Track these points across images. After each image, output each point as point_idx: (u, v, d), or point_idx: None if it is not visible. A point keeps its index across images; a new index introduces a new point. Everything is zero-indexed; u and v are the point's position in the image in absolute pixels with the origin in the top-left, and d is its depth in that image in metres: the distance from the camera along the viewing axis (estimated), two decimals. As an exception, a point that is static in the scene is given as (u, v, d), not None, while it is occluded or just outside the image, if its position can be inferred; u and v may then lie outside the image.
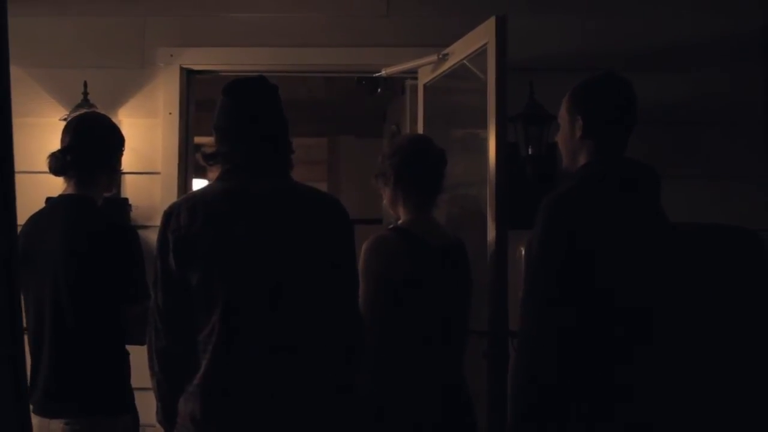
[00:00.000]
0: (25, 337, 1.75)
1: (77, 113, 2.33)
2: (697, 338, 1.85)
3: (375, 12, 2.78)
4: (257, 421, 1.50)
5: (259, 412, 1.50)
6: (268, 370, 1.52)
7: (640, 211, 1.62)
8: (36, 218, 1.95)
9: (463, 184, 2.46)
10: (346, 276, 1.63)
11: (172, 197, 2.63)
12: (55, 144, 1.97)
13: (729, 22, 2.72)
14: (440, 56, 2.51)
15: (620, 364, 1.54)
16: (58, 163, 1.91)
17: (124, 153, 2.06)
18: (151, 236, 2.26)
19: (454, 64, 2.45)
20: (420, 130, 2.71)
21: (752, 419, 1.90)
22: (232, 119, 1.62)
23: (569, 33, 2.71)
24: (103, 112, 2.48)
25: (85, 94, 2.67)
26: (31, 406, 1.75)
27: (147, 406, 1.78)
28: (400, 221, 2.03)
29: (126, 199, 2.72)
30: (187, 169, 2.83)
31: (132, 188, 2.74)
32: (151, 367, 1.57)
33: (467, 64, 2.37)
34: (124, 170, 2.59)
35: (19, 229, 1.83)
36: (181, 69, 2.78)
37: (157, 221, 1.62)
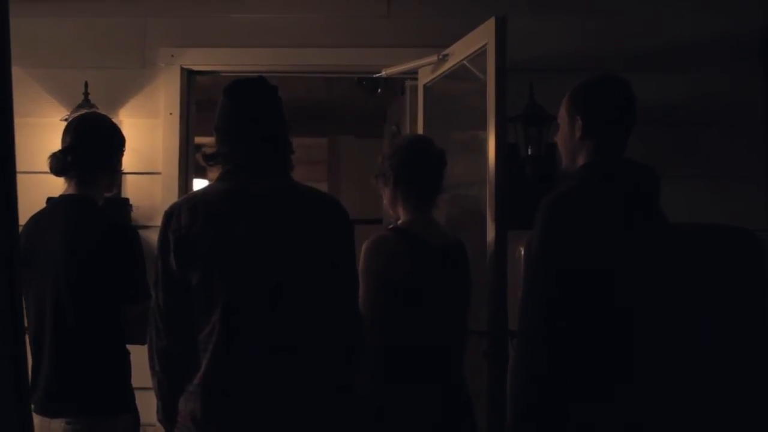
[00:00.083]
0: (26, 337, 1.76)
1: (78, 113, 2.33)
2: (697, 338, 1.85)
3: (375, 13, 2.78)
4: (257, 421, 1.51)
5: (259, 412, 1.51)
6: (268, 370, 1.52)
7: (639, 211, 1.62)
8: (37, 218, 1.95)
9: (462, 184, 2.47)
10: (346, 276, 1.63)
11: (173, 197, 2.63)
12: (56, 144, 1.97)
13: (729, 22, 2.73)
14: (440, 57, 2.51)
15: (619, 364, 1.55)
16: (59, 164, 1.92)
17: (125, 153, 2.07)
18: (152, 236, 2.27)
19: (454, 65, 2.45)
20: (420, 130, 2.72)
21: (751, 419, 1.90)
22: (232, 120, 1.62)
23: (569, 33, 2.71)
24: (103, 112, 2.48)
25: (86, 94, 2.67)
26: (31, 406, 1.75)
27: (147, 405, 1.78)
28: (399, 221, 2.03)
29: (127, 199, 2.73)
30: (187, 169, 2.84)
31: (133, 188, 2.75)
32: (152, 367, 1.58)
33: (467, 64, 2.38)
34: (125, 170, 2.60)
35: (19, 229, 1.84)
36: (182, 69, 2.79)
37: (158, 221, 1.62)
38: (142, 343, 1.66)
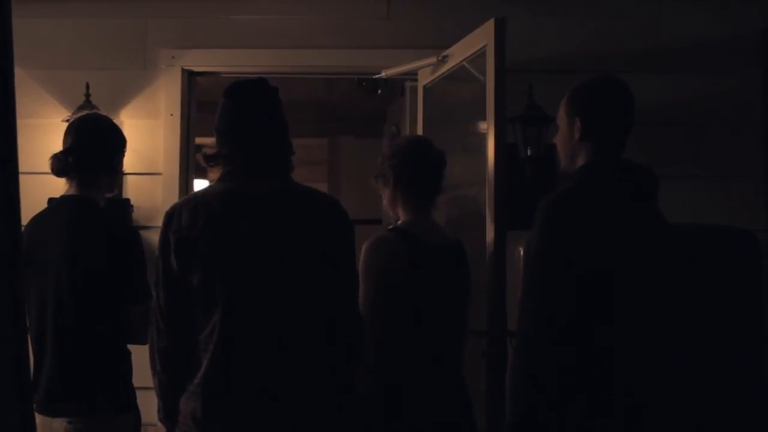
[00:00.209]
0: (28, 337, 1.77)
1: (79, 115, 2.35)
2: (697, 338, 1.85)
3: (375, 14, 2.79)
4: (257, 421, 1.51)
5: (259, 412, 1.51)
6: (268, 370, 1.53)
7: (638, 211, 1.63)
8: (38, 219, 1.96)
9: (462, 184, 2.47)
10: (346, 276, 1.64)
11: (174, 198, 2.64)
12: (57, 145, 1.98)
13: (728, 23, 2.73)
14: (440, 58, 2.52)
15: (619, 363, 1.55)
16: (60, 164, 1.93)
17: (126, 154, 2.07)
18: (153, 237, 2.28)
19: (453, 66, 2.46)
20: (420, 131, 2.72)
21: (750, 418, 1.90)
22: (232, 121, 1.63)
23: (568, 35, 2.72)
24: (105, 113, 2.50)
25: (88, 95, 2.68)
26: (33, 405, 1.76)
27: (148, 405, 1.79)
28: (399, 222, 2.04)
29: (128, 200, 2.73)
30: (188, 169, 2.84)
31: (134, 189, 2.75)
32: (153, 367, 1.59)
33: (467, 65, 2.38)
34: (126, 171, 2.60)
35: (21, 229, 1.84)
36: (183, 70, 2.79)
37: (159, 222, 1.63)
38: (143, 343, 1.67)
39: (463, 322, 2.05)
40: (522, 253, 2.15)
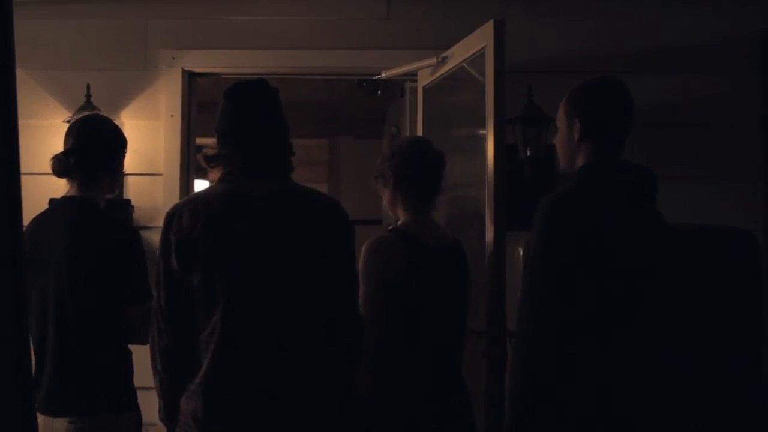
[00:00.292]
0: (29, 337, 1.77)
1: (80, 115, 2.35)
2: (696, 338, 1.86)
3: (375, 15, 2.79)
4: (258, 420, 1.52)
5: (259, 411, 1.52)
6: (268, 370, 1.53)
7: (637, 212, 1.63)
8: (39, 219, 1.96)
9: (461, 185, 2.48)
10: (346, 276, 1.65)
11: (174, 198, 2.64)
12: (58, 146, 1.99)
13: (727, 24, 2.74)
14: (439, 59, 2.52)
15: (618, 363, 1.55)
16: (61, 165, 1.93)
17: (127, 155, 2.08)
18: (154, 237, 2.29)
19: (453, 67, 2.46)
20: (419, 131, 2.73)
21: (750, 419, 1.91)
22: (233, 122, 1.63)
23: (567, 36, 2.72)
24: (105, 114, 2.50)
25: (88, 96, 2.69)
26: (35, 405, 1.76)
27: (149, 405, 1.79)
28: (399, 222, 2.04)
29: (128, 201, 2.74)
30: (188, 170, 2.85)
31: (134, 189, 2.76)
32: (154, 366, 1.59)
33: (466, 66, 2.39)
34: (127, 172, 2.61)
35: (23, 230, 1.85)
36: (183, 71, 2.80)
37: (159, 222, 1.64)
38: (144, 343, 1.67)
39: (462, 322, 2.05)
40: (521, 253, 2.16)
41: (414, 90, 2.85)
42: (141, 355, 1.77)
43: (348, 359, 1.64)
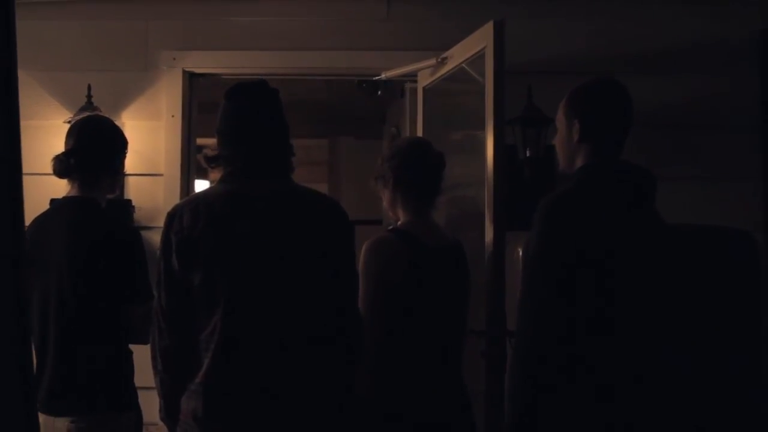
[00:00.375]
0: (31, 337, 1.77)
1: (81, 116, 2.35)
2: (696, 338, 1.86)
3: (375, 16, 2.80)
4: (258, 420, 1.52)
5: (259, 411, 1.52)
6: (268, 370, 1.54)
7: (636, 212, 1.63)
8: (40, 220, 1.97)
9: (461, 185, 2.48)
10: (346, 277, 1.65)
11: (175, 199, 2.65)
12: (59, 146, 1.99)
13: (726, 25, 2.74)
14: (439, 60, 2.53)
15: (618, 363, 1.56)
16: (62, 166, 1.94)
17: (128, 155, 2.08)
18: (154, 237, 2.29)
19: (453, 68, 2.47)
20: (419, 132, 2.73)
21: (750, 419, 1.91)
22: (233, 123, 1.64)
23: (567, 37, 2.72)
24: (106, 114, 2.50)
25: (89, 97, 2.69)
26: (37, 405, 1.76)
27: (150, 404, 1.80)
28: (399, 223, 2.04)
29: (129, 201, 2.74)
30: (189, 170, 2.85)
31: (135, 190, 2.76)
32: (155, 366, 1.60)
33: (466, 67, 2.39)
34: (128, 172, 2.61)
35: (24, 230, 1.85)
36: (184, 72, 2.81)
37: (160, 222, 1.64)
38: (145, 343, 1.68)
39: (462, 322, 2.05)
40: (521, 253, 2.16)
41: (414, 91, 2.86)
42: (142, 355, 1.78)
43: (348, 359, 1.64)
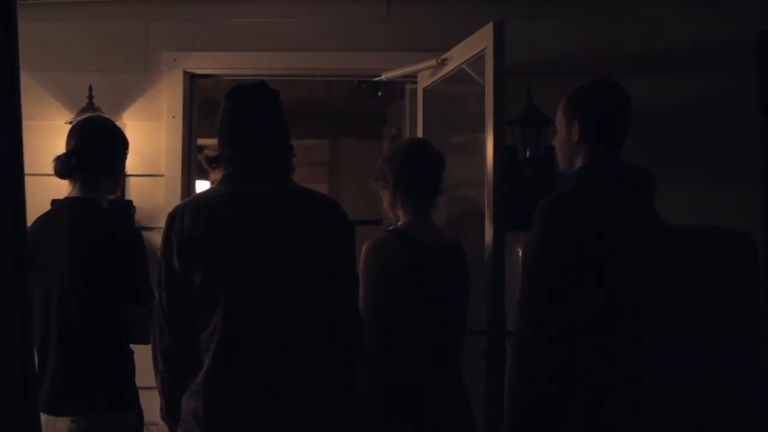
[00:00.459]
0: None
1: (82, 117, 2.36)
2: (695, 338, 1.86)
3: (375, 17, 2.80)
4: (258, 419, 1.53)
5: (260, 411, 1.53)
6: (269, 370, 1.54)
7: (636, 212, 1.64)
8: (42, 220, 1.97)
9: (461, 186, 2.48)
10: (346, 277, 1.65)
11: (176, 199, 2.65)
12: (60, 147, 1.99)
13: (724, 26, 2.74)
14: (439, 61, 2.53)
15: (618, 364, 1.56)
16: (63, 166, 1.94)
17: (128, 156, 2.09)
18: (155, 238, 2.30)
19: (453, 69, 2.47)
20: (419, 133, 2.74)
21: (749, 419, 1.91)
22: (233, 124, 1.65)
23: (567, 37, 2.73)
24: (107, 115, 2.51)
25: (91, 97, 2.70)
26: (38, 405, 1.77)
27: (151, 404, 1.80)
28: (399, 223, 2.05)
29: (130, 201, 2.75)
30: (190, 171, 2.86)
31: (136, 190, 2.77)
32: (155, 366, 1.60)
33: (466, 68, 2.40)
34: (128, 173, 2.61)
35: (26, 231, 1.85)
36: (185, 73, 2.81)
37: (161, 223, 1.65)
38: (146, 343, 1.68)
39: (462, 322, 2.06)
40: (521, 253, 2.17)
41: (414, 91, 2.86)
42: (142, 355, 1.78)
43: (348, 359, 1.65)
